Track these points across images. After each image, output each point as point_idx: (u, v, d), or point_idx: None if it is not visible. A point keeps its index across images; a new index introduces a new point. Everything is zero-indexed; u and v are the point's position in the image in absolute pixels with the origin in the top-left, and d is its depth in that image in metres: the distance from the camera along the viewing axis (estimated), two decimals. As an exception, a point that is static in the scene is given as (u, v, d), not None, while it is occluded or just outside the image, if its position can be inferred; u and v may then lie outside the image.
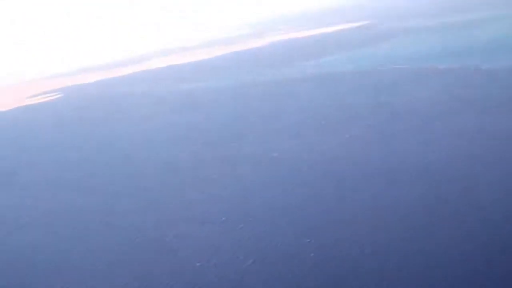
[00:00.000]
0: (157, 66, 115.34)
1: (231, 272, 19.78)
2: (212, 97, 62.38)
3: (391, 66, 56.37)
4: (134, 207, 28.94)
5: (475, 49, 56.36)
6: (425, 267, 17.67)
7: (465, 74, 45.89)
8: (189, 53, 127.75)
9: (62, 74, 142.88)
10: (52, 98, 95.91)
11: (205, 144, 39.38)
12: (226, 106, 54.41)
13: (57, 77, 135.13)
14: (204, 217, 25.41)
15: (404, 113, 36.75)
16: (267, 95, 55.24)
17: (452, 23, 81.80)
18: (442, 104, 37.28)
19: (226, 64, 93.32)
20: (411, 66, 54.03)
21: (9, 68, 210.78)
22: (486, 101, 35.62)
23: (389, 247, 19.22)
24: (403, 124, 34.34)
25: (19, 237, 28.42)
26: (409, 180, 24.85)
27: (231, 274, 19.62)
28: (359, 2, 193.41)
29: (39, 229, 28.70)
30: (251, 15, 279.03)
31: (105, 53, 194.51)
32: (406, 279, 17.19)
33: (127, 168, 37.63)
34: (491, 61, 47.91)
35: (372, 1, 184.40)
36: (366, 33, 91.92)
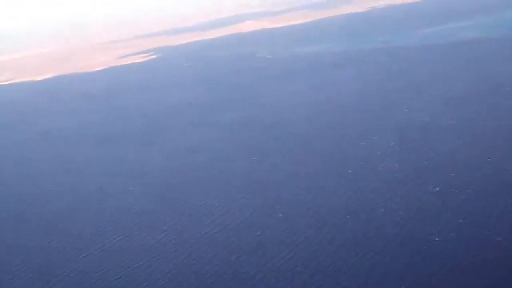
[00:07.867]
0: (249, 29, 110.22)
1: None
2: (337, 61, 58.22)
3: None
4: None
5: None
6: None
7: None
8: (279, 17, 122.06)
9: (151, 34, 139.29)
10: (146, 58, 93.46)
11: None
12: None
13: (146, 38, 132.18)
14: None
15: None
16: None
17: None
18: None
19: (328, 29, 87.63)
20: None
21: (95, 28, 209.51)
22: None
23: None
24: None
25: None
26: None
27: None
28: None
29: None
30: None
31: (192, 16, 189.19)
32: None
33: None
34: None
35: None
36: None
